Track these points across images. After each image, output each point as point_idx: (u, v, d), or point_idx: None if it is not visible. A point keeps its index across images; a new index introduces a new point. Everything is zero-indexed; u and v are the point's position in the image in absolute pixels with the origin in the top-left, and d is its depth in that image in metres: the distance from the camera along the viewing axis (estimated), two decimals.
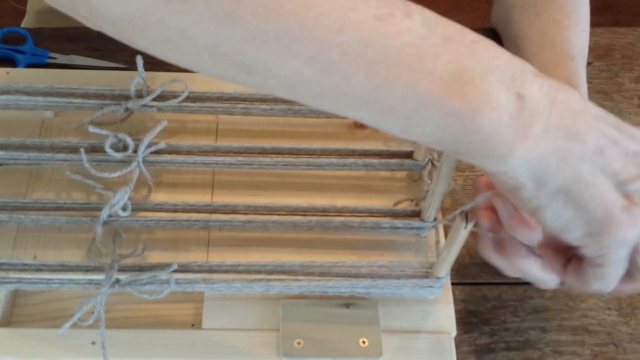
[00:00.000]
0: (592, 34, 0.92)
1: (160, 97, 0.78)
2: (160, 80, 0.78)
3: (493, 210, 0.63)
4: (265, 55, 0.45)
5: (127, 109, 0.78)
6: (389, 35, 0.45)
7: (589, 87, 0.92)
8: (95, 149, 0.74)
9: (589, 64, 0.94)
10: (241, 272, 0.68)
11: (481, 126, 0.47)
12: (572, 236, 0.54)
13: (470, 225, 0.58)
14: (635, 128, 0.53)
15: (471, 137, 0.48)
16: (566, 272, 0.61)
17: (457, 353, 0.69)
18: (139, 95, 0.78)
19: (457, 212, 0.59)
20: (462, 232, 0.59)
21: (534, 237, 0.61)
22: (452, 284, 0.73)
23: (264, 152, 0.76)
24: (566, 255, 0.61)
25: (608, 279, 0.57)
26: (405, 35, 0.45)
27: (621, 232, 0.52)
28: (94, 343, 0.66)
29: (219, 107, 0.79)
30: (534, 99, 0.48)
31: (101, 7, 0.45)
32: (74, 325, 0.64)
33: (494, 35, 0.95)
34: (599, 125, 0.51)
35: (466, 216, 0.58)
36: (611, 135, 0.51)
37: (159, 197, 0.75)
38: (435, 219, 0.72)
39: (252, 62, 0.46)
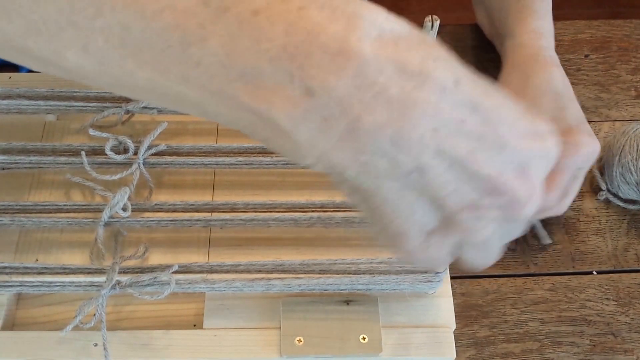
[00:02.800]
0: (588, 27, 0.93)
1: None
2: None
3: None
4: (45, 45, 0.39)
5: (127, 111, 0.78)
6: (149, 15, 0.36)
7: (586, 80, 0.93)
8: (96, 152, 0.75)
9: (585, 56, 0.94)
10: (241, 271, 0.69)
11: (274, 122, 0.38)
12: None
13: None
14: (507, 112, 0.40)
15: (266, 131, 0.39)
16: None
17: (457, 346, 0.69)
18: None
19: None
20: None
21: None
22: (452, 277, 0.73)
23: (263, 151, 0.76)
24: None
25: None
26: (167, 13, 0.36)
27: (411, 256, 0.44)
28: (96, 345, 0.66)
29: None
30: (330, 94, 0.37)
31: None
32: (76, 328, 0.65)
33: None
34: (434, 138, 0.38)
35: None
36: (446, 154, 0.38)
37: (160, 198, 0.75)
38: None
39: (39, 54, 0.40)
